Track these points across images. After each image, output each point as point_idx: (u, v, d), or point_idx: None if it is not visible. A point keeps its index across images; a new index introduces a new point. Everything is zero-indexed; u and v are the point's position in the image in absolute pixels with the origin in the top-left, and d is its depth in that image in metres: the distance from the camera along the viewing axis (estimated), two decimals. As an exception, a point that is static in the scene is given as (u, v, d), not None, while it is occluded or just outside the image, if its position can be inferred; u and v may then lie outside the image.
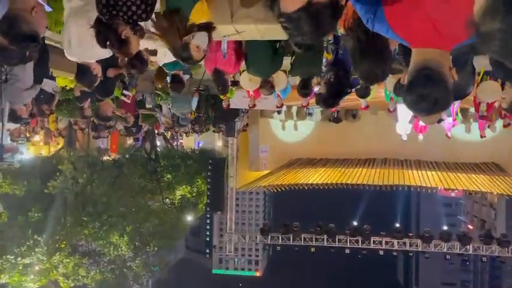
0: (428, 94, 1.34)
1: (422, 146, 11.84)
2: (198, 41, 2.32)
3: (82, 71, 3.46)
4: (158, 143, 22.08)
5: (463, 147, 13.69)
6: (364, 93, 5.27)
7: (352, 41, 1.72)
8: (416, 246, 15.44)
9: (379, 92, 6.46)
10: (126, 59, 3.65)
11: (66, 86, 9.47)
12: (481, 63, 3.97)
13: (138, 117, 10.41)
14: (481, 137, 7.97)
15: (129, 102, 7.76)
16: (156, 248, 16.03)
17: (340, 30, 1.82)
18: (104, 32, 2.21)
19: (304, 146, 15.62)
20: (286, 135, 15.70)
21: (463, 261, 57.07)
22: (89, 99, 6.30)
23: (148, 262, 16.82)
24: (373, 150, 14.57)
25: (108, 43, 2.23)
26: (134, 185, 16.48)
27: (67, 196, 13.78)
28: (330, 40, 2.75)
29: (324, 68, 3.08)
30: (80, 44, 2.69)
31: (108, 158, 19.70)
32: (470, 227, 44.39)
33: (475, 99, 5.75)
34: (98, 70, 3.38)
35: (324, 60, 2.96)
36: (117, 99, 7.54)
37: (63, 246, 13.78)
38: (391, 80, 4.42)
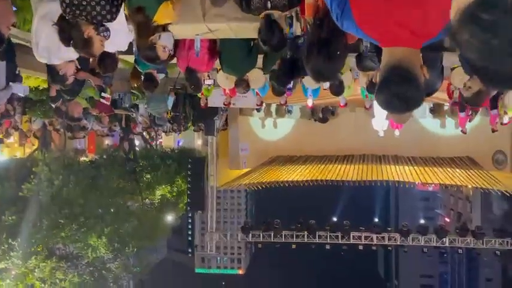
0: (400, 93, 1.33)
1: (399, 142, 12.03)
2: (165, 41, 2.30)
3: (51, 72, 3.42)
4: (137, 143, 21.79)
5: (438, 142, 13.99)
6: (338, 90, 5.30)
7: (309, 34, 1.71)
8: (395, 240, 15.71)
9: (356, 89, 6.51)
10: (96, 59, 3.59)
11: (39, 86, 9.25)
12: (451, 59, 4.04)
13: (112, 117, 10.26)
14: (493, 131, 7.71)
15: (108, 103, 7.63)
16: (135, 249, 15.81)
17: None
18: (67, 30, 2.15)
19: (284, 144, 15.67)
20: (266, 132, 15.71)
21: (440, 253, 58.35)
22: (61, 99, 6.19)
23: (128, 263, 16.60)
24: (352, 146, 14.73)
25: (71, 42, 2.18)
26: (112, 186, 16.22)
27: (42, 198, 13.48)
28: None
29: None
30: (48, 46, 2.63)
31: (85, 158, 19.34)
32: (447, 219, 45.49)
33: (448, 86, 5.79)
34: (66, 69, 3.31)
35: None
36: (92, 99, 7.41)
37: (39, 249, 13.47)
38: (363, 77, 4.47)
